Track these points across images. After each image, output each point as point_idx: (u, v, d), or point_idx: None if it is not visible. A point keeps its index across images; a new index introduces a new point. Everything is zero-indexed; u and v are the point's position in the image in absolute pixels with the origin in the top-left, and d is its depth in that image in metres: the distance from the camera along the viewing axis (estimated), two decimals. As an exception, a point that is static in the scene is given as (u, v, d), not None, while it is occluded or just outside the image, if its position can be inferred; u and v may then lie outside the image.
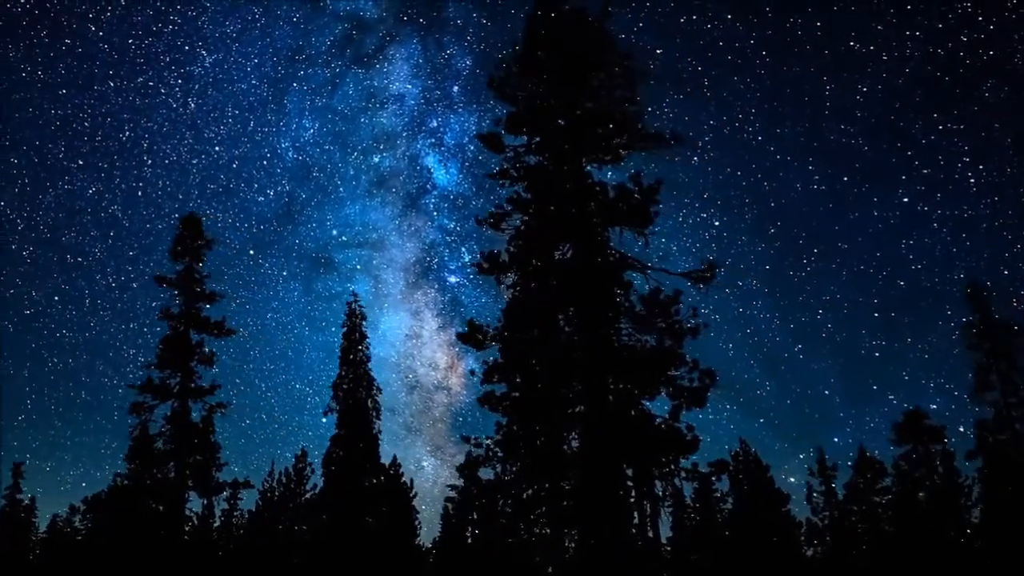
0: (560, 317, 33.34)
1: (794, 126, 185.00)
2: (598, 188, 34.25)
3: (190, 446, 48.82)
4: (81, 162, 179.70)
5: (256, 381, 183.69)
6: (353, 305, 63.30)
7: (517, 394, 33.00)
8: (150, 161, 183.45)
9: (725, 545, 70.50)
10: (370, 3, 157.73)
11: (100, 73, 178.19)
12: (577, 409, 32.19)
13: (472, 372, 34.16)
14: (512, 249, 34.39)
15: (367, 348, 62.15)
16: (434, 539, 79.07)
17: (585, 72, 35.85)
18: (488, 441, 33.14)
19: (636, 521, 32.02)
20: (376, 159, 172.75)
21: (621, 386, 32.22)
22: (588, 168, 35.17)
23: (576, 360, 31.96)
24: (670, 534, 75.34)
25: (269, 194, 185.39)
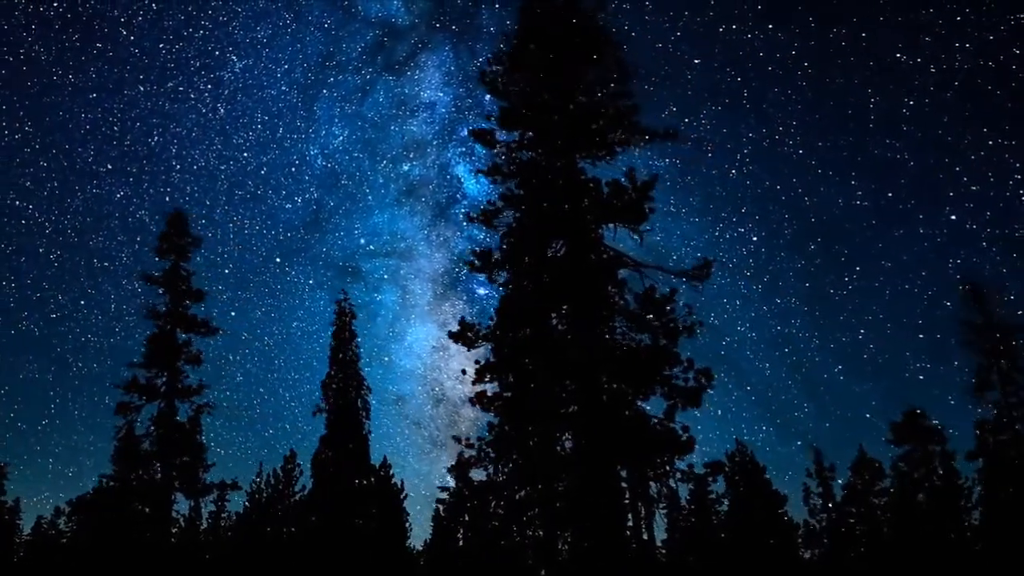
0: (553, 315, 33.34)
1: (837, 140, 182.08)
2: (591, 184, 34.22)
3: (177, 447, 48.80)
4: (109, 166, 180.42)
5: (280, 391, 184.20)
6: (343, 304, 63.33)
7: (509, 394, 33.00)
8: (178, 166, 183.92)
9: (721, 547, 70.54)
10: (402, 10, 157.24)
11: (130, 77, 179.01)
12: (570, 409, 32.20)
13: (463, 371, 34.18)
14: (504, 246, 34.40)
15: (357, 347, 62.22)
16: (425, 541, 79.12)
17: (578, 66, 35.85)
18: (480, 442, 33.17)
19: (630, 523, 32.03)
20: (406, 167, 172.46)
21: (615, 386, 32.21)
22: (581, 164, 35.17)
23: (569, 359, 31.94)
24: (665, 536, 75.55)
25: (297, 201, 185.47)
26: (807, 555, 76.13)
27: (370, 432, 59.97)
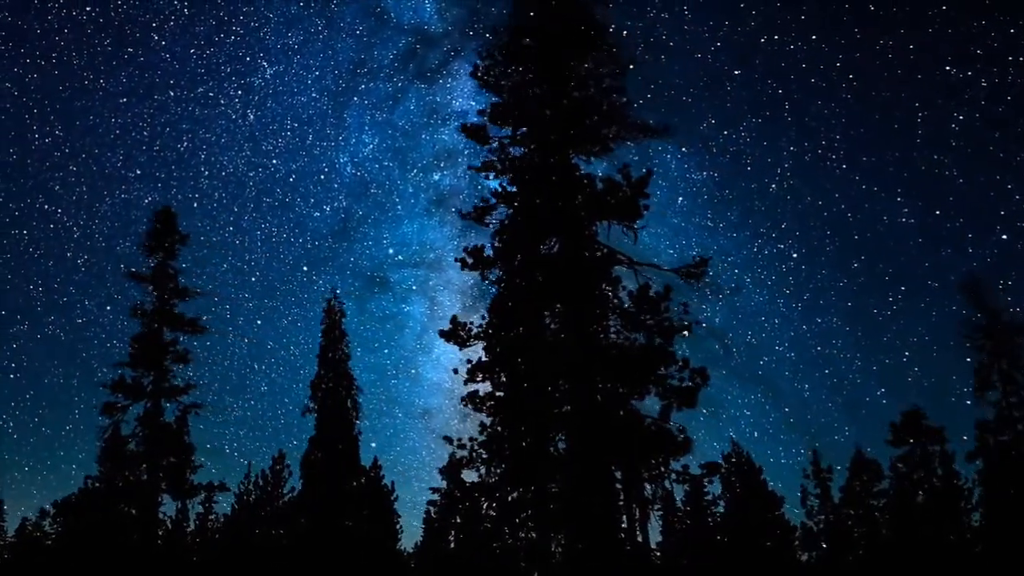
0: (546, 314, 33.37)
1: (882, 154, 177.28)
2: (586, 180, 34.26)
3: (163, 447, 48.69)
4: (139, 171, 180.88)
5: (309, 403, 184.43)
6: (332, 302, 63.34)
7: (501, 393, 33.04)
8: (207, 173, 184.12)
9: (717, 550, 70.64)
10: (435, 17, 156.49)
11: (161, 82, 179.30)
12: (564, 409, 32.22)
13: (455, 371, 34.19)
14: (497, 244, 34.41)
15: (347, 346, 62.18)
16: (415, 543, 79.13)
17: (571, 60, 35.87)
18: (471, 442, 33.17)
19: (625, 525, 32.08)
20: (436, 177, 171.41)
21: (609, 385, 32.24)
22: (575, 160, 35.19)
23: (563, 358, 31.97)
24: (660, 538, 75.54)
25: (325, 210, 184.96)
26: (804, 557, 76.20)
27: (360, 433, 60.10)
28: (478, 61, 36.93)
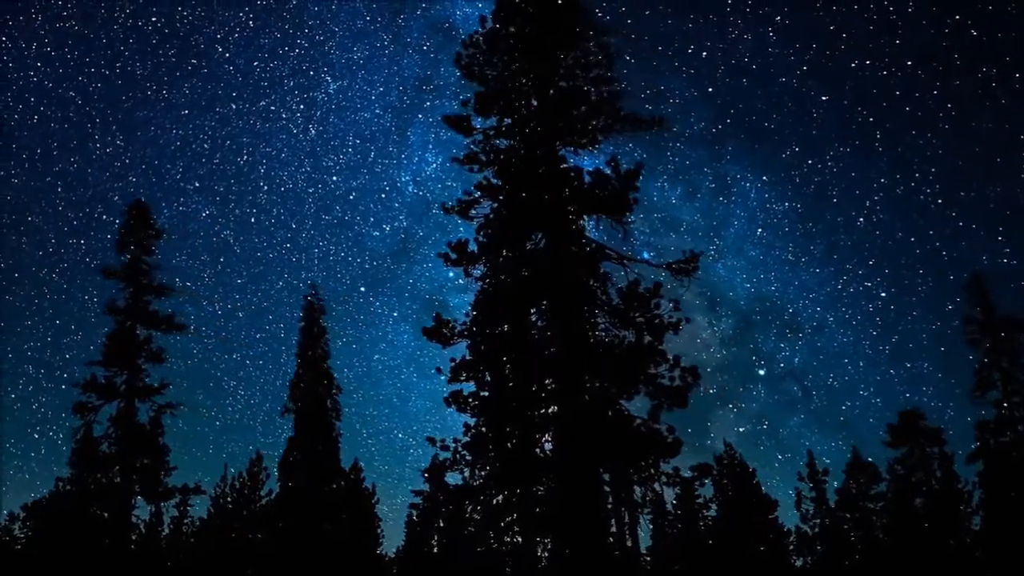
0: (532, 311, 33.36)
1: (982, 189, 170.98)
2: (573, 173, 34.26)
3: (137, 449, 48.59)
4: (197, 184, 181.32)
5: (357, 426, 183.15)
6: (311, 299, 63.19)
7: (486, 393, 32.99)
8: (266, 187, 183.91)
9: (708, 554, 70.65)
10: None
11: (223, 95, 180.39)
12: (550, 409, 32.22)
13: (438, 370, 34.10)
14: (481, 238, 34.37)
15: (326, 344, 62.06)
16: (397, 548, 79.02)
17: (558, 50, 35.83)
18: (455, 443, 33.11)
19: (614, 529, 32.13)
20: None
21: (597, 384, 32.22)
22: (562, 152, 35.17)
23: (549, 357, 31.99)
24: (650, 542, 75.47)
25: (385, 229, 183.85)
26: (799, 562, 76.25)
27: (340, 434, 60.02)
28: (461, 50, 36.90)
